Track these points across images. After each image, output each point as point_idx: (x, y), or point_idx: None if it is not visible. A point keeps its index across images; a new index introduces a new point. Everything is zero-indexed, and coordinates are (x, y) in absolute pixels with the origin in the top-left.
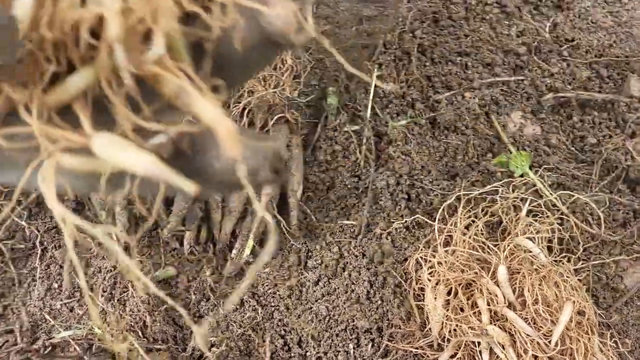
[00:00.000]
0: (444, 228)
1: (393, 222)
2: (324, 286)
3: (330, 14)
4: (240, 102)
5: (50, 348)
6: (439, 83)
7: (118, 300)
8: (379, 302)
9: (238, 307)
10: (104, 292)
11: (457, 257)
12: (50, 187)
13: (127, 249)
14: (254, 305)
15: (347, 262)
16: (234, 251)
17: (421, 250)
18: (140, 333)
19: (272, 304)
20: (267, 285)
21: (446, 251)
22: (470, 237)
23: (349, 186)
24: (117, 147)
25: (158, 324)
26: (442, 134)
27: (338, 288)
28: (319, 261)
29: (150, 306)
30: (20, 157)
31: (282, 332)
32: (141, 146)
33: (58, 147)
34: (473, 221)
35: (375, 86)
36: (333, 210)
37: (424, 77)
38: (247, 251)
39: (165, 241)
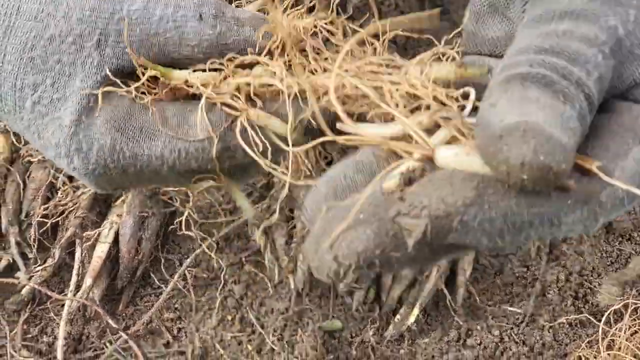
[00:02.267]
0: (609, 331)
1: (557, 317)
2: None
3: None
4: None
5: None
6: None
7: (287, 342)
8: None
9: None
10: (275, 331)
11: None
12: None
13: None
14: None
15: (507, 347)
16: (397, 316)
17: (583, 349)
18: None
19: None
20: (425, 356)
21: (608, 354)
22: (634, 345)
23: (517, 274)
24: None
25: None
26: (616, 240)
27: None
28: (479, 341)
29: (318, 353)
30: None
31: None
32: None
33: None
34: (638, 330)
35: None
36: (498, 295)
37: None
38: (412, 319)
39: (338, 294)
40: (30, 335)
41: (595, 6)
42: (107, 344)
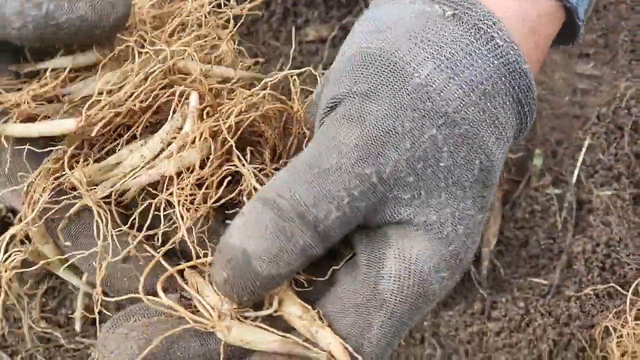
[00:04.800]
0: (637, 301)
1: (584, 288)
2: (506, 338)
3: (545, 80)
4: None
5: None
6: None
7: None
8: None
9: (418, 342)
10: None
11: None
12: None
13: None
14: (434, 344)
15: (533, 319)
16: None
17: (610, 319)
18: None
19: (452, 347)
20: (448, 328)
21: (637, 324)
22: None
23: (542, 247)
24: (245, 331)
25: None
26: None
27: (520, 342)
28: (504, 313)
29: None
30: None
31: None
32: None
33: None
34: None
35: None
36: (523, 268)
37: (634, 153)
38: None
39: None
40: (48, 308)
41: (358, 155)
42: None
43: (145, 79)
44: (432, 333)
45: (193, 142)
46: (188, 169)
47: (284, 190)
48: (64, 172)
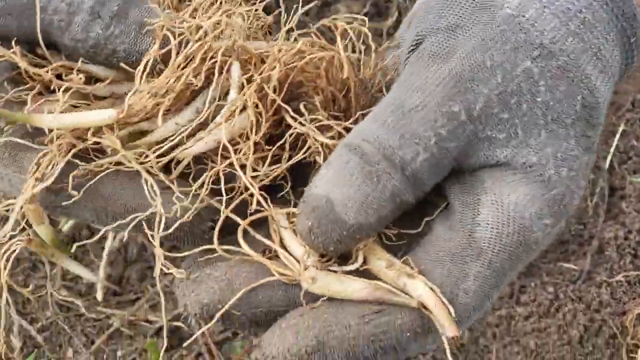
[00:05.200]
0: None
1: (615, 275)
2: (535, 322)
3: None
4: None
5: None
6: None
7: None
8: (591, 348)
9: None
10: None
11: None
12: None
13: None
14: None
15: (562, 304)
16: None
17: None
18: None
19: (479, 329)
20: None
21: None
22: None
23: (573, 232)
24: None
25: None
26: None
27: (550, 327)
28: (532, 298)
29: None
30: None
31: (486, 359)
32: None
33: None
34: None
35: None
36: (553, 253)
37: None
38: None
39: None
40: (70, 276)
41: (444, 92)
42: (148, 287)
43: (186, 59)
44: None
45: (243, 109)
46: (241, 135)
47: (369, 135)
48: (85, 138)
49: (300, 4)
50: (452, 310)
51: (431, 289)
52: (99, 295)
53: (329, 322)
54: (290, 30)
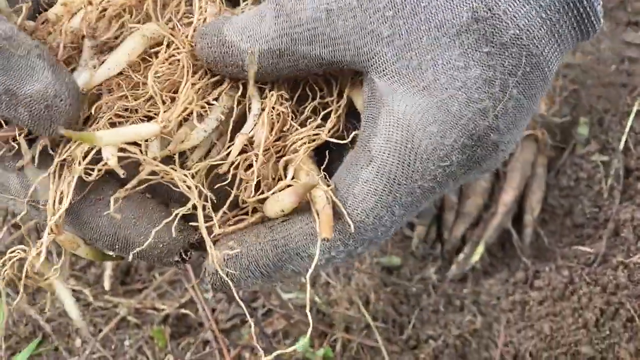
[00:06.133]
0: None
1: (632, 256)
2: (549, 307)
3: (591, 50)
4: None
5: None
6: None
7: (343, 274)
8: (607, 332)
9: (459, 309)
10: None
11: None
12: None
13: None
14: (475, 312)
15: (577, 288)
16: (461, 255)
17: None
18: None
19: (493, 315)
20: (490, 296)
21: None
22: None
23: (588, 215)
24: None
25: (381, 303)
26: None
27: (564, 311)
28: (547, 282)
29: (375, 284)
30: None
31: (499, 344)
32: None
33: None
34: None
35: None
36: (567, 237)
37: None
38: (476, 257)
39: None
40: (78, 266)
41: None
42: (156, 276)
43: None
44: (472, 301)
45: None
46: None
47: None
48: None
49: None
50: (342, 210)
51: (325, 193)
52: (107, 285)
53: (246, 232)
54: None
